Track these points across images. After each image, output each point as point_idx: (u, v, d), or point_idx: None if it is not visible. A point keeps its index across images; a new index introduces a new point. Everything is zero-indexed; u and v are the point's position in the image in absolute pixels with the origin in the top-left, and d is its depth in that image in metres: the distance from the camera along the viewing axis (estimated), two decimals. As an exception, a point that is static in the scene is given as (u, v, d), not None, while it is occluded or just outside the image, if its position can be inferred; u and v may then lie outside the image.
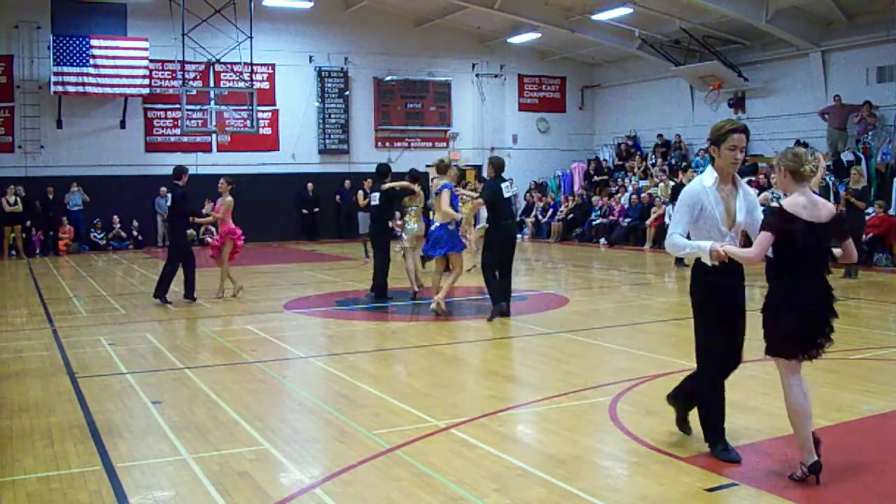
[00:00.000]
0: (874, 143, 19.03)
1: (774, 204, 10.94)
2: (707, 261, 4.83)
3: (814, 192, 4.85)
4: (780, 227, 4.62)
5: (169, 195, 12.51)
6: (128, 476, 4.98)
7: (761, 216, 5.02)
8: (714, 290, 5.01)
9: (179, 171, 12.50)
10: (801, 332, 4.71)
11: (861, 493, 4.55)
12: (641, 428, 5.74)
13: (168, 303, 12.13)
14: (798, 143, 21.71)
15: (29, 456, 5.39)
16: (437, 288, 10.89)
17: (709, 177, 5.01)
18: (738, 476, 4.82)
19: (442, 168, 11.22)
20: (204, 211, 12.79)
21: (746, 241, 5.17)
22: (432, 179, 11.85)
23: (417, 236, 12.19)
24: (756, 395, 6.64)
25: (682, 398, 5.52)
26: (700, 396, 5.30)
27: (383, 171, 12.73)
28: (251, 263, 18.73)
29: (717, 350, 5.11)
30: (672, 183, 19.20)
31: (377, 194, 12.52)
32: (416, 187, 12.20)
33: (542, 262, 19.35)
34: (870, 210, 16.66)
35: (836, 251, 4.87)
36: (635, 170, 25.63)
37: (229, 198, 12.53)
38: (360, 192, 16.75)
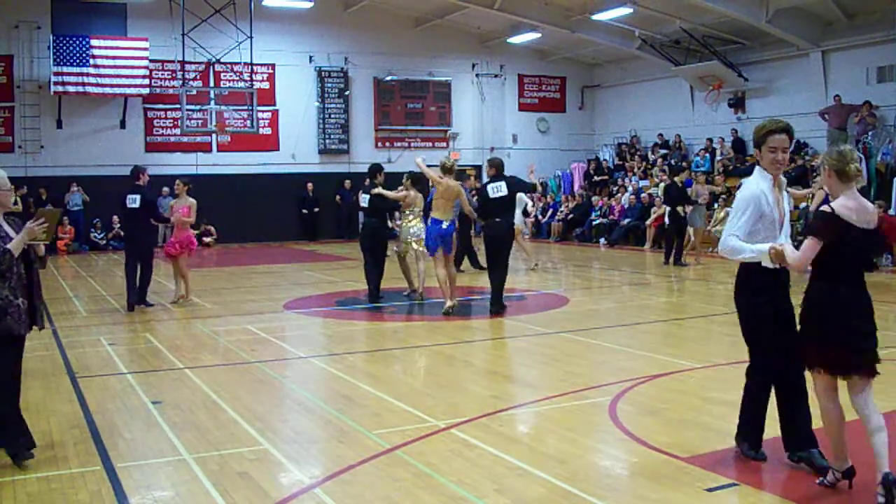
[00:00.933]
0: (874, 143, 19.02)
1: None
2: (768, 263, 4.61)
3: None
4: (829, 232, 4.35)
5: (136, 196, 11.63)
6: (128, 476, 4.98)
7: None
8: (766, 295, 4.81)
9: (137, 171, 11.98)
10: (851, 344, 4.40)
11: (861, 493, 4.55)
12: (641, 428, 5.74)
13: (151, 304, 11.93)
14: (798, 142, 21.79)
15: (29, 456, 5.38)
16: (445, 291, 10.81)
17: (763, 179, 4.81)
18: (738, 476, 4.82)
19: (447, 169, 11.14)
20: (172, 217, 12.26)
21: None
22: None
23: (419, 238, 11.94)
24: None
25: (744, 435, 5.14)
26: (752, 409, 5.11)
27: (372, 172, 12.49)
28: (251, 263, 18.75)
29: (774, 362, 4.90)
30: (662, 185, 19.19)
31: (367, 196, 12.28)
32: (409, 192, 12.02)
33: (542, 262, 19.35)
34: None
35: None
36: (635, 170, 25.63)
37: (192, 200, 12.21)
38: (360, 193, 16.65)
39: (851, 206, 4.40)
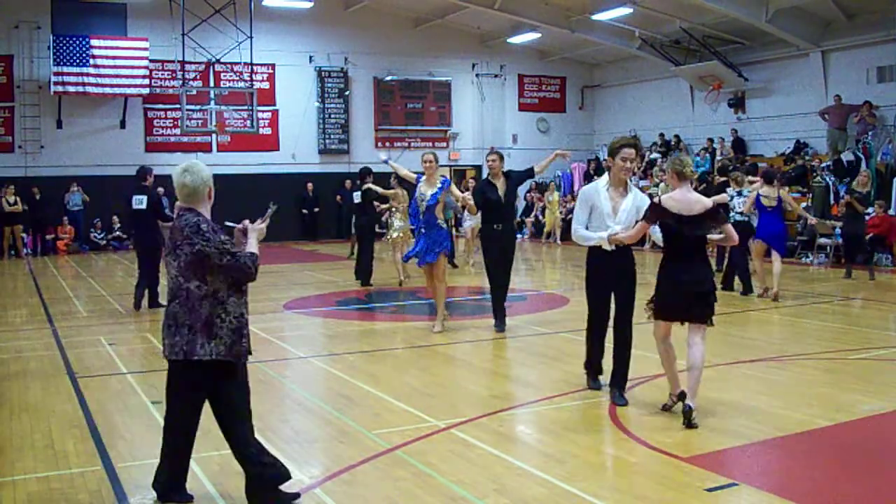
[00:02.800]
0: (874, 143, 19.03)
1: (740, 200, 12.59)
2: (607, 247, 6.14)
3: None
4: (654, 217, 5.84)
5: (143, 197, 11.54)
6: (128, 476, 4.98)
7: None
8: (605, 267, 6.32)
9: (144, 171, 11.86)
10: (676, 302, 5.84)
11: (861, 494, 4.55)
12: (641, 428, 5.74)
13: (162, 305, 11.89)
14: (798, 142, 21.82)
15: (29, 456, 5.39)
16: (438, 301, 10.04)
17: (603, 181, 6.31)
18: (738, 476, 4.82)
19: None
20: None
21: None
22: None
23: (404, 232, 13.37)
24: (755, 394, 6.64)
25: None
26: (589, 347, 6.70)
27: (361, 175, 14.22)
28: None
29: (599, 313, 6.56)
30: (662, 185, 19.20)
31: (358, 193, 14.09)
32: (399, 191, 13.62)
33: (542, 262, 19.34)
34: (870, 210, 16.66)
35: (717, 236, 5.94)
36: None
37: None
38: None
39: (677, 197, 5.82)
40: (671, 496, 4.53)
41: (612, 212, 6.17)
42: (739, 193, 12.91)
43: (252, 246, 4.42)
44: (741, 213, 12.92)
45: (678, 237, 5.81)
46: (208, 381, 4.37)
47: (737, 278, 12.75)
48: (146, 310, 11.68)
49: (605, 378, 6.75)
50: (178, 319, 4.27)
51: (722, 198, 13.24)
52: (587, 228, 6.28)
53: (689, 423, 5.62)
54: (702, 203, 5.84)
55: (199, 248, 4.19)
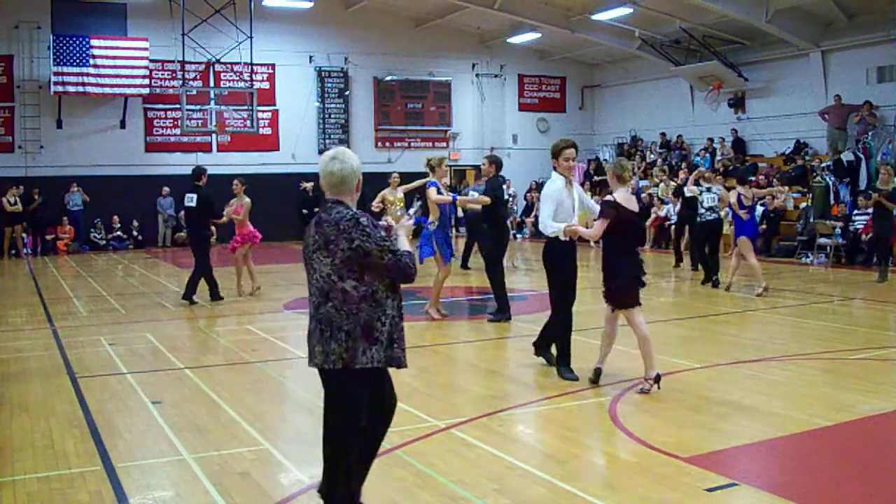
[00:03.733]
0: (874, 143, 19.02)
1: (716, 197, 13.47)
2: (563, 237, 6.92)
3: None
4: (614, 215, 6.61)
5: (193, 195, 12.12)
6: (128, 476, 4.98)
7: (593, 204, 7.43)
8: (566, 255, 7.21)
9: (199, 171, 12.40)
10: (632, 288, 6.75)
11: (861, 494, 4.55)
12: (641, 428, 5.74)
13: (195, 302, 12.19)
14: (798, 142, 21.82)
15: (29, 456, 5.39)
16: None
17: (559, 179, 7.13)
18: (738, 476, 4.82)
19: (430, 167, 10.96)
20: (224, 214, 12.72)
21: None
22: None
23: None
24: (755, 394, 6.64)
25: (544, 345, 7.82)
26: (561, 334, 7.38)
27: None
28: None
29: (570, 296, 7.34)
30: (672, 183, 19.25)
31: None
32: (396, 194, 13.33)
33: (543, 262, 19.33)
34: (870, 210, 16.65)
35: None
36: (635, 170, 25.63)
37: (247, 199, 12.83)
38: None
39: (625, 197, 6.76)
40: (671, 496, 4.53)
41: (572, 204, 7.16)
42: (709, 189, 13.38)
43: (404, 244, 4.03)
44: (711, 210, 13.29)
45: (633, 232, 6.89)
46: (366, 389, 3.97)
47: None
48: (207, 302, 12.15)
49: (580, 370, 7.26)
50: (334, 323, 3.84)
51: (693, 191, 14.24)
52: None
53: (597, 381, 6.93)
54: (636, 203, 6.97)
55: (359, 245, 3.79)
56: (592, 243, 12.83)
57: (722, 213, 14.03)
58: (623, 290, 6.73)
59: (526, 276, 15.58)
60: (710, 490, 4.60)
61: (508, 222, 13.14)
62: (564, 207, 7.09)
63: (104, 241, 23.22)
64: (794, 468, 5.00)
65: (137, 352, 8.89)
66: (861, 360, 7.98)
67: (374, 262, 3.81)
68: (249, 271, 13.03)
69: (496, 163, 10.60)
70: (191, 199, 12.17)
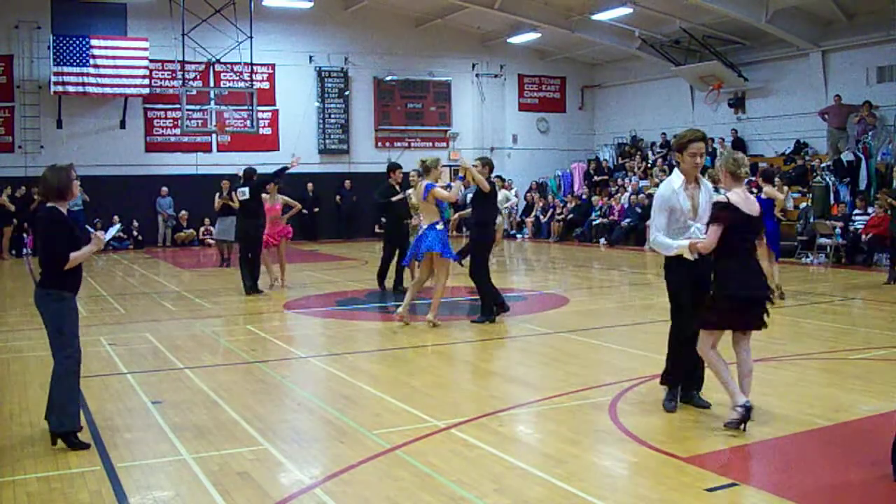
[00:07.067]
0: (874, 143, 19.03)
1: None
2: (689, 256, 5.63)
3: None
4: (728, 218, 5.47)
5: (246, 189, 12.93)
6: (128, 476, 4.98)
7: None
8: (689, 276, 5.87)
9: (251, 171, 13.31)
10: (743, 305, 5.55)
11: (861, 494, 4.55)
12: (641, 428, 5.74)
13: (260, 292, 13.04)
14: (798, 142, 21.83)
15: (29, 456, 5.39)
16: (411, 295, 10.32)
17: (677, 179, 5.89)
18: (738, 476, 4.82)
19: (425, 168, 10.74)
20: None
21: None
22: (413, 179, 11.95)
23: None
24: (756, 395, 6.61)
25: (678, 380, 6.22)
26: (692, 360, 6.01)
27: (392, 168, 13.54)
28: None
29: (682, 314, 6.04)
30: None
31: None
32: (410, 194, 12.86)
33: (542, 262, 19.34)
34: (870, 210, 16.66)
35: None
36: (635, 170, 25.64)
37: (282, 197, 13.86)
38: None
39: (741, 197, 5.56)
40: (671, 496, 4.53)
41: (691, 210, 5.86)
42: (717, 191, 12.89)
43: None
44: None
45: (749, 238, 5.66)
46: None
47: None
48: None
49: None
50: None
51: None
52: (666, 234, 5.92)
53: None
54: (757, 205, 5.75)
55: None
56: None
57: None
58: (725, 308, 5.57)
59: (526, 276, 15.58)
60: (710, 490, 4.60)
61: (500, 221, 13.12)
62: (678, 215, 5.82)
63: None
64: (794, 468, 5.00)
65: (137, 352, 8.89)
66: (861, 360, 7.98)
67: None
68: (281, 264, 13.97)
69: (489, 164, 10.64)
70: (244, 193, 12.92)
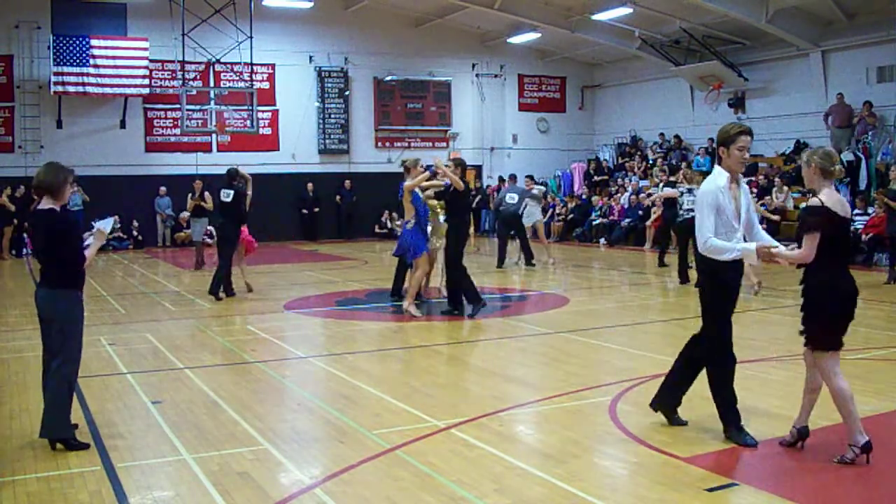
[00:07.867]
0: (874, 143, 19.03)
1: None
2: (754, 261, 5.14)
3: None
4: (824, 224, 4.83)
5: (231, 191, 12.66)
6: (128, 476, 4.98)
7: (755, 213, 5.49)
8: (734, 287, 5.44)
9: (235, 172, 13.03)
10: (844, 320, 4.97)
11: (861, 494, 4.55)
12: (641, 428, 5.74)
13: (232, 293, 12.84)
14: (798, 142, 21.82)
15: (29, 456, 5.39)
16: (426, 290, 11.03)
17: (721, 177, 5.30)
18: (738, 476, 4.82)
19: (405, 169, 11.31)
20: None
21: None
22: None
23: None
24: (756, 395, 6.64)
25: (669, 400, 5.85)
26: (721, 389, 5.55)
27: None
28: (251, 263, 18.68)
29: (729, 342, 5.61)
30: (662, 185, 19.25)
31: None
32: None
33: (542, 262, 19.33)
34: (870, 210, 16.65)
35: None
36: (635, 170, 25.63)
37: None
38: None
39: (834, 198, 4.93)
40: (671, 496, 4.53)
41: (735, 212, 5.29)
42: (690, 191, 13.17)
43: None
44: (691, 211, 13.15)
45: (844, 245, 5.06)
46: None
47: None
48: (211, 301, 12.35)
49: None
50: None
51: (672, 193, 14.03)
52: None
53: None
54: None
55: None
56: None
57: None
58: (826, 327, 5.01)
59: (526, 276, 15.59)
60: (710, 490, 4.60)
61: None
62: (726, 216, 5.25)
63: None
64: (794, 468, 5.00)
65: (137, 352, 8.89)
66: (861, 359, 7.98)
67: None
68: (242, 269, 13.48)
69: (461, 165, 11.22)
70: (227, 195, 12.64)
